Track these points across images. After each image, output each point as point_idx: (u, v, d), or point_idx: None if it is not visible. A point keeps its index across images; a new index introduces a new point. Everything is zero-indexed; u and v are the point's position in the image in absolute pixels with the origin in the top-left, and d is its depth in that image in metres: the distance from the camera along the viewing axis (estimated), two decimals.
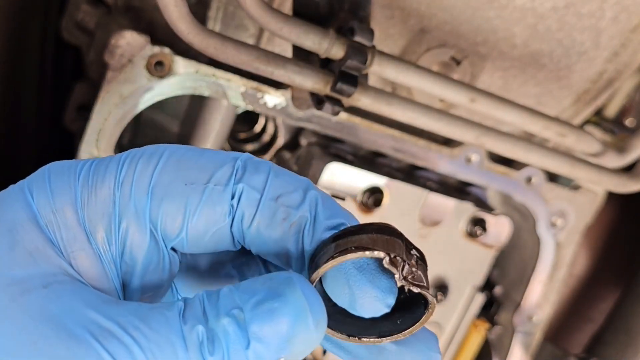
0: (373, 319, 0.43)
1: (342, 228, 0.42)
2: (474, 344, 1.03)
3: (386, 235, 0.40)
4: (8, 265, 0.40)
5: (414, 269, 0.40)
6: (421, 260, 0.41)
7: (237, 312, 0.39)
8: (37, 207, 0.42)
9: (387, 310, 0.42)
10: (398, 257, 0.39)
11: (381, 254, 0.39)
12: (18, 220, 0.41)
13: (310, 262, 0.42)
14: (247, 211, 0.42)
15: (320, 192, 0.44)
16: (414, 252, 0.40)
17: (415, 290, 0.40)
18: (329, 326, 0.41)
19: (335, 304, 0.43)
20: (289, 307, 0.39)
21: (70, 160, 0.45)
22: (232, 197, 0.42)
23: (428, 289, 0.40)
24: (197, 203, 0.42)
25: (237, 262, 0.49)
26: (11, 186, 0.44)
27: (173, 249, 0.44)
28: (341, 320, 0.43)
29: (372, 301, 0.42)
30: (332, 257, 0.40)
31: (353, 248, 0.40)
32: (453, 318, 1.00)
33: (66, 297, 0.39)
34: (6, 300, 0.39)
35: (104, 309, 0.39)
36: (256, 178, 0.43)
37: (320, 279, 0.43)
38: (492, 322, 1.05)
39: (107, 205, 0.42)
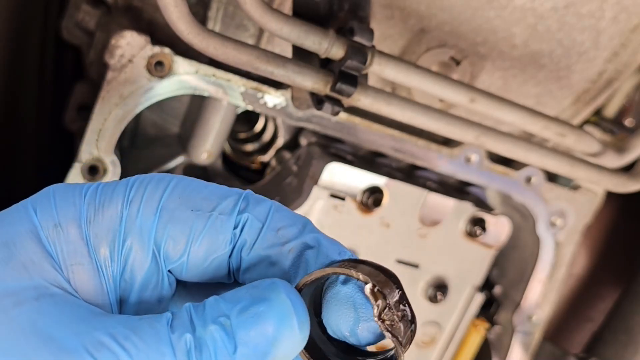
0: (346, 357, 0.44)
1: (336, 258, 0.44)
2: (474, 343, 1.03)
3: (388, 278, 0.42)
4: (1, 277, 0.40)
5: (396, 319, 0.41)
6: (410, 321, 0.42)
7: (224, 319, 0.40)
8: (39, 221, 0.42)
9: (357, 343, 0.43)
10: (386, 299, 0.41)
11: (367, 279, 0.41)
12: (16, 233, 0.42)
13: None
14: (249, 239, 0.44)
15: (316, 229, 0.45)
16: (406, 308, 0.42)
17: (387, 335, 0.41)
18: (305, 348, 0.42)
19: (315, 337, 0.44)
20: (274, 311, 0.40)
21: (75, 183, 0.46)
22: (235, 227, 0.43)
23: (402, 345, 0.41)
24: (202, 229, 0.43)
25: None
26: (15, 204, 0.45)
27: (170, 272, 0.45)
28: (318, 350, 0.44)
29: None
30: (318, 272, 0.42)
31: (338, 267, 0.41)
32: (453, 318, 1.00)
33: (57, 310, 0.40)
34: None
35: (95, 321, 0.40)
36: (259, 209, 0.44)
37: (317, 311, 0.44)
38: (492, 322, 1.05)
39: (114, 222, 0.43)
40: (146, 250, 0.43)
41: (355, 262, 0.43)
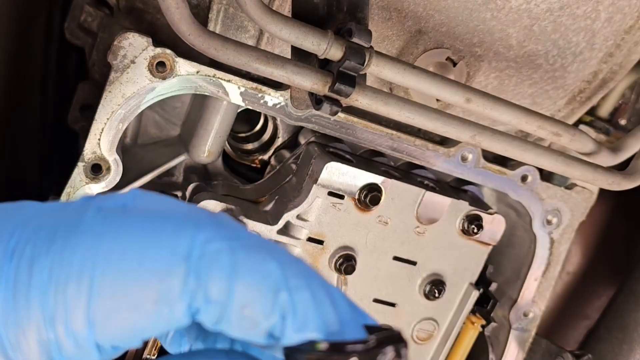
0: None
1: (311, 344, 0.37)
2: (470, 340, 1.05)
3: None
4: None
5: None
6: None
7: None
8: None
9: None
10: None
11: None
12: None
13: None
14: (208, 321, 0.37)
15: (292, 292, 0.37)
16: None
17: None
18: None
19: None
20: None
21: None
22: (189, 306, 0.37)
23: None
24: (150, 324, 0.37)
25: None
26: None
27: None
28: None
29: None
30: None
31: None
32: (449, 314, 1.01)
33: None
34: None
35: None
36: (215, 287, 0.36)
37: None
38: (488, 319, 1.06)
39: (42, 344, 0.37)
40: (89, 353, 0.37)
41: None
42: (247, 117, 0.98)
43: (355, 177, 0.88)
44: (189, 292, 0.36)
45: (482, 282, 1.05)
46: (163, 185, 0.95)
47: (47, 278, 0.36)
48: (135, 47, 0.78)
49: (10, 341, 0.36)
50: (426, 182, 0.96)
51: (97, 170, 0.81)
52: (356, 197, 0.89)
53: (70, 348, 0.37)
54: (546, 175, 1.03)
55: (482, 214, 0.95)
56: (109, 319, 0.36)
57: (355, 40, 0.75)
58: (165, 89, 0.80)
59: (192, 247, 0.37)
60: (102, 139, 0.80)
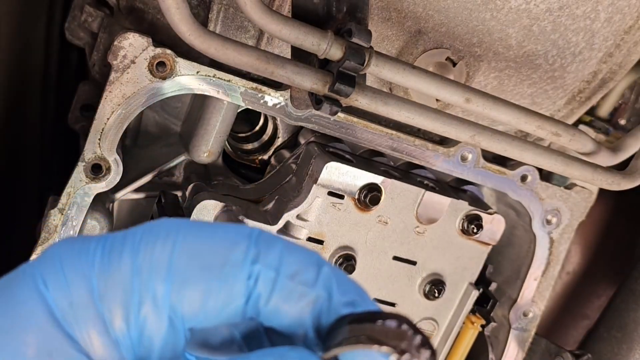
0: None
1: (355, 305, 0.44)
2: (470, 340, 1.05)
3: (398, 329, 0.42)
4: None
5: None
6: (432, 356, 0.42)
7: None
8: (53, 300, 0.42)
9: None
10: (407, 354, 0.41)
11: (390, 350, 0.41)
12: (33, 317, 0.42)
13: (326, 335, 0.44)
14: (263, 291, 0.44)
15: (331, 267, 0.45)
16: (425, 350, 0.42)
17: None
18: None
19: None
20: None
21: (81, 240, 0.45)
22: (249, 277, 0.43)
23: None
24: (216, 287, 0.43)
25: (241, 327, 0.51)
26: (20, 271, 0.44)
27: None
28: None
29: None
30: (345, 342, 0.42)
31: (364, 338, 0.42)
32: (449, 314, 1.01)
33: None
34: None
35: None
36: (270, 256, 0.44)
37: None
38: (488, 319, 1.06)
39: (126, 294, 0.43)
40: (162, 316, 0.43)
41: (364, 321, 0.42)
42: (247, 117, 0.98)
43: (355, 177, 0.88)
44: (249, 259, 0.43)
45: (481, 281, 1.05)
46: (163, 185, 0.95)
47: (138, 240, 0.43)
48: (135, 47, 0.78)
49: (100, 291, 0.42)
50: (426, 182, 0.96)
51: (97, 170, 0.81)
52: (356, 197, 0.89)
53: (148, 302, 0.42)
54: (546, 175, 1.04)
55: (482, 214, 0.96)
56: (185, 277, 0.43)
57: (355, 40, 0.75)
58: (165, 89, 0.80)
59: (252, 232, 0.45)
60: (103, 139, 0.80)
